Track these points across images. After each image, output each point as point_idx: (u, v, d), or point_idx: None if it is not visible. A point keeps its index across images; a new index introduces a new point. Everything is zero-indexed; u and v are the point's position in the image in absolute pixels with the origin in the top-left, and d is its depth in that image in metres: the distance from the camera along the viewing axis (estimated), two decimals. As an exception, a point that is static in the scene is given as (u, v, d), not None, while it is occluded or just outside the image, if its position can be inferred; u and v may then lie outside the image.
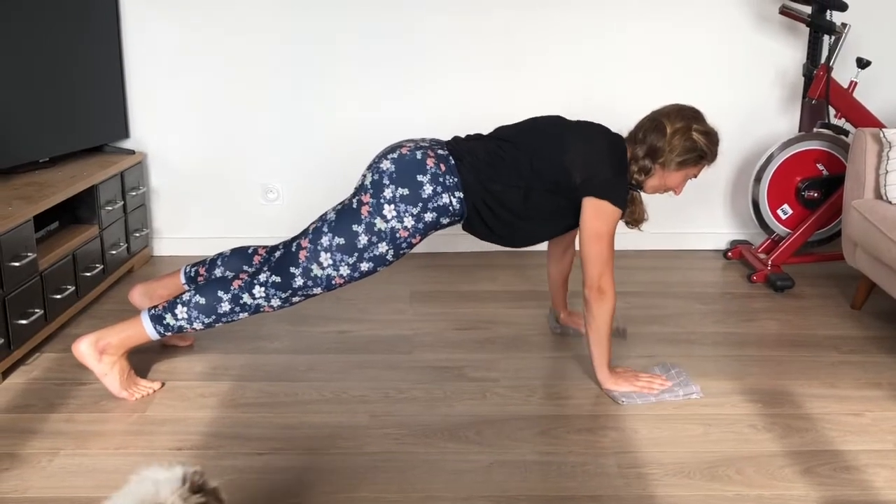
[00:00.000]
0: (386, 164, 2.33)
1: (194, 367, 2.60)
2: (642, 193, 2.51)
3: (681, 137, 2.36)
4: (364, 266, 2.35)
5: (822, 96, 3.27)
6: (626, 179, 2.40)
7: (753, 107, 3.67)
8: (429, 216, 2.33)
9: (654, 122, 2.39)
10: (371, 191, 2.32)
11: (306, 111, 3.60)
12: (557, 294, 2.83)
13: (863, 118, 3.31)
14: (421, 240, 2.38)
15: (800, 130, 3.44)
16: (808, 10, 3.33)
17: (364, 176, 2.38)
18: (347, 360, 2.67)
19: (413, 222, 2.32)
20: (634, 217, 2.49)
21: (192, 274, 2.66)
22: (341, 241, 2.31)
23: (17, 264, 2.50)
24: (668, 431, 2.24)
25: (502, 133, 2.45)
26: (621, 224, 2.42)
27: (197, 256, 2.75)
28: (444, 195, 2.32)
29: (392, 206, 2.30)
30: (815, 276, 3.44)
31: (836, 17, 3.28)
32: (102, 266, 3.12)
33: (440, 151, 2.36)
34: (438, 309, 3.11)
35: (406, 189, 2.30)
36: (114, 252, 3.23)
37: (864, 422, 2.30)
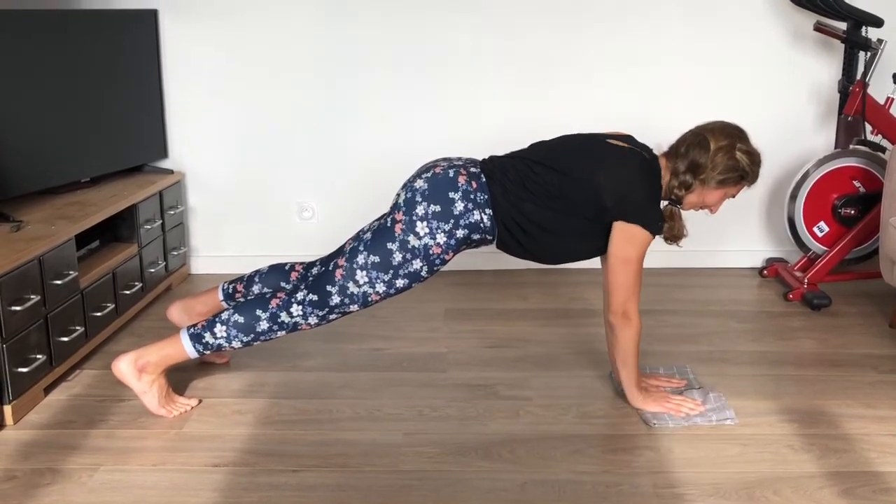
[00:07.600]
0: (419, 183, 2.36)
1: (231, 384, 2.64)
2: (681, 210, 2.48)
3: (724, 155, 2.31)
4: (399, 283, 2.37)
5: (858, 113, 3.24)
6: (658, 203, 2.38)
7: (789, 124, 3.64)
8: (460, 232, 2.34)
9: (698, 138, 2.35)
10: (404, 208, 2.34)
11: (341, 130, 3.64)
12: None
13: (900, 134, 3.28)
14: (454, 255, 2.40)
15: (836, 147, 3.41)
16: (843, 26, 3.32)
17: (398, 195, 2.41)
18: (381, 377, 2.69)
19: (445, 238, 2.33)
20: (674, 233, 2.43)
21: (230, 291, 2.69)
22: (376, 258, 2.34)
23: (59, 282, 2.56)
24: (704, 451, 2.22)
25: (536, 152, 2.45)
26: (658, 241, 2.40)
27: (233, 274, 2.79)
28: (475, 212, 2.33)
29: (425, 223, 2.32)
30: (853, 294, 3.40)
31: (872, 33, 3.26)
32: (141, 284, 3.17)
33: (472, 169, 2.38)
34: (471, 327, 3.12)
35: (438, 206, 2.32)
36: (152, 270, 3.29)
37: (904, 443, 2.27)
